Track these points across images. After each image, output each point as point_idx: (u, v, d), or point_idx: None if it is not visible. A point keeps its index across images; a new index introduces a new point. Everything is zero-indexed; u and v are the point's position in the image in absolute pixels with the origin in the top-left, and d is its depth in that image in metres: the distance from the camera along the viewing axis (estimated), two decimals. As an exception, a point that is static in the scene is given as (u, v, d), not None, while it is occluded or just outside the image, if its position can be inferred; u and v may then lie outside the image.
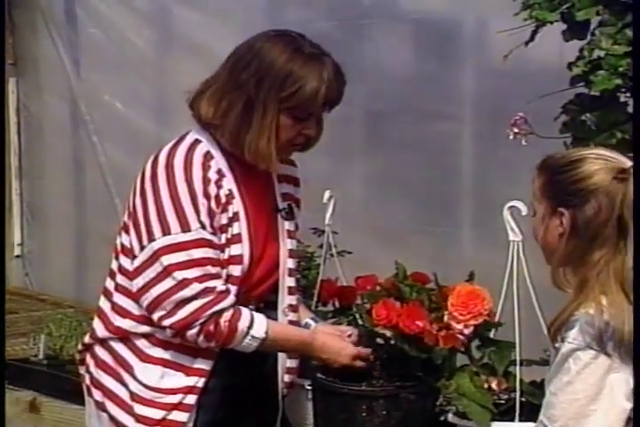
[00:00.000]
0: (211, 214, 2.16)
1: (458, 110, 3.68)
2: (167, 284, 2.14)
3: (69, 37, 4.84)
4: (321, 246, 2.62)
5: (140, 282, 2.17)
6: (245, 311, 2.19)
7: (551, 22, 2.42)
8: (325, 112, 2.23)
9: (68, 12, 4.83)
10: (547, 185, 1.95)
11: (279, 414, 2.36)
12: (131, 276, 2.20)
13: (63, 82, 4.88)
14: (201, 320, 2.14)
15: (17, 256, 5.18)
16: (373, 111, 3.91)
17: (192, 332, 2.15)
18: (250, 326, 2.18)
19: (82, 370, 2.36)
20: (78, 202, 5.01)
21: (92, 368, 2.31)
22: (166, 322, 2.15)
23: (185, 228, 2.13)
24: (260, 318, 2.20)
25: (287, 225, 2.32)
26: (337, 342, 2.29)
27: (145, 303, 2.17)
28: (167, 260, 2.14)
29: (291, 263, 2.32)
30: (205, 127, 2.23)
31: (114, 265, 2.28)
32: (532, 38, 2.47)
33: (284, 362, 2.35)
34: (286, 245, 2.31)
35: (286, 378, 2.36)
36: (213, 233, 2.17)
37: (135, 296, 2.20)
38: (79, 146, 4.92)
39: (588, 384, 1.84)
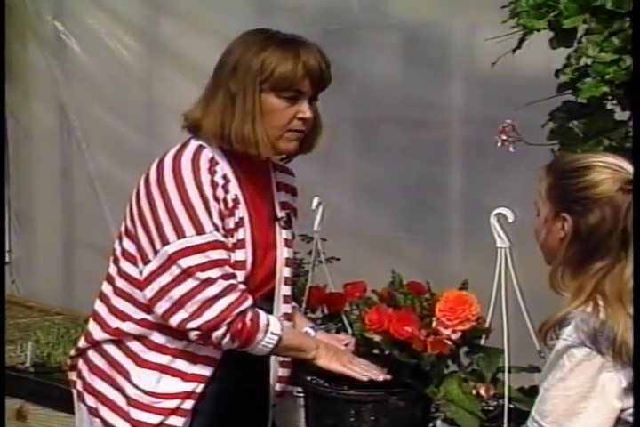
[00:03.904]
0: (221, 217, 2.16)
1: (446, 118, 3.69)
2: (188, 285, 2.11)
3: (57, 47, 4.84)
4: (310, 253, 2.62)
5: (155, 287, 2.14)
6: (258, 309, 2.18)
7: (538, 30, 2.43)
8: (315, 97, 2.22)
9: (56, 21, 4.82)
10: (552, 188, 1.96)
11: (269, 423, 2.36)
12: (143, 281, 2.16)
13: (51, 89, 4.87)
14: (229, 320, 2.12)
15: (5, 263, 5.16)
16: (361, 118, 3.91)
17: (219, 333, 2.12)
18: (267, 324, 2.17)
19: (72, 376, 2.34)
20: (66, 209, 5.00)
21: (86, 373, 2.29)
22: (192, 324, 2.12)
23: (199, 230, 2.12)
24: (272, 316, 2.21)
25: (285, 234, 2.32)
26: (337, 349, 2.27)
27: (162, 308, 2.13)
28: (185, 262, 2.11)
29: (287, 272, 2.32)
30: (194, 131, 2.23)
31: (112, 270, 2.26)
32: (519, 46, 2.48)
33: (277, 371, 2.35)
34: (283, 253, 2.30)
35: (277, 387, 2.36)
36: (225, 236, 2.17)
37: (141, 301, 2.18)
38: (67, 153, 4.91)
39: (581, 381, 1.85)
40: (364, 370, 2.21)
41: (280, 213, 2.32)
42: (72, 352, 2.36)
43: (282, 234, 2.31)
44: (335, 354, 2.24)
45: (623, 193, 1.88)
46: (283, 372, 2.36)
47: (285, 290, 2.32)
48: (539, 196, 1.98)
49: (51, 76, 4.86)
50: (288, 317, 2.34)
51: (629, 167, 1.92)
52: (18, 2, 4.90)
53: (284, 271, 2.31)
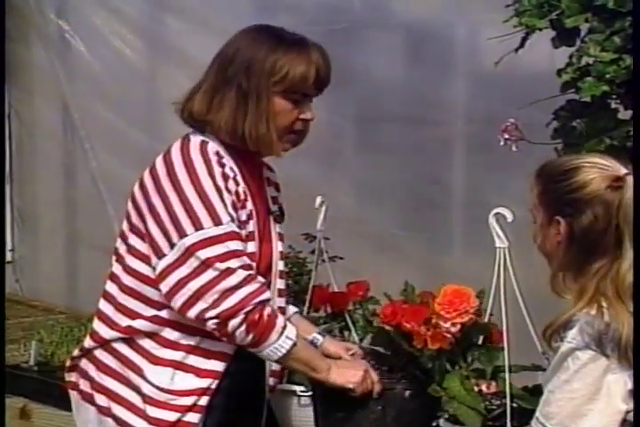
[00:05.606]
0: (235, 209, 2.16)
1: (448, 116, 3.70)
2: (208, 276, 2.10)
3: (61, 45, 4.84)
4: (313, 252, 2.63)
5: (171, 281, 2.12)
6: (279, 313, 2.18)
7: (540, 29, 2.43)
8: (315, 96, 2.24)
9: (60, 20, 4.83)
10: (543, 193, 1.96)
11: (263, 419, 2.35)
12: (158, 276, 2.14)
13: (55, 88, 4.88)
14: (247, 309, 2.10)
15: (8, 262, 5.16)
16: (364, 117, 3.92)
17: (235, 321, 2.10)
18: (284, 326, 2.15)
19: (72, 377, 2.32)
20: (69, 207, 5.01)
21: (94, 373, 2.27)
22: (210, 313, 2.10)
23: (217, 221, 2.11)
24: (289, 323, 2.19)
25: (277, 228, 2.33)
26: (349, 369, 2.24)
27: (180, 301, 2.11)
28: (204, 254, 2.10)
29: (281, 265, 2.32)
30: (200, 127, 2.23)
31: (116, 268, 2.25)
32: (521, 45, 2.48)
33: (270, 365, 2.33)
34: (277, 247, 2.31)
35: (271, 382, 2.36)
36: (239, 227, 2.17)
37: (151, 298, 2.17)
38: (70, 152, 4.92)
39: (586, 384, 1.86)
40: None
41: (273, 207, 2.33)
42: (75, 353, 2.33)
43: (275, 228, 2.32)
44: (345, 369, 2.22)
45: (612, 190, 1.88)
46: (276, 366, 2.34)
47: (280, 284, 2.32)
48: (532, 203, 1.98)
49: (54, 74, 4.87)
50: (282, 310, 2.32)
51: (616, 165, 1.92)
52: (21, 0, 4.91)
53: (280, 265, 2.31)
